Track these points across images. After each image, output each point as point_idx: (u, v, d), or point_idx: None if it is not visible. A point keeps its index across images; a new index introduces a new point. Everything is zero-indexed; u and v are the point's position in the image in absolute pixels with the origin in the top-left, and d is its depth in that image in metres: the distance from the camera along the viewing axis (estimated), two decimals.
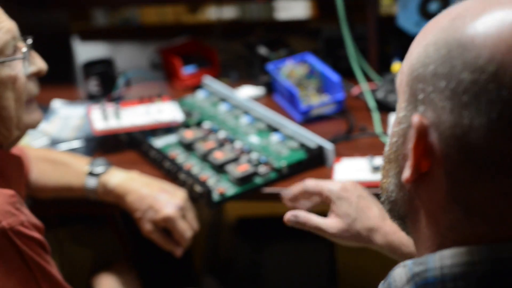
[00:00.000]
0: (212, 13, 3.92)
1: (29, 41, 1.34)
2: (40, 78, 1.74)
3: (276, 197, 1.60)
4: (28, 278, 1.18)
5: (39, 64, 1.35)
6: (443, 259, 0.74)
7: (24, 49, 1.31)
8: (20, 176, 1.38)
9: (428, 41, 0.78)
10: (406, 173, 0.78)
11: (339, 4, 1.82)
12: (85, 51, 2.51)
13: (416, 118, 0.76)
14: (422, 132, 0.75)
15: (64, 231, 1.78)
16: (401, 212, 0.85)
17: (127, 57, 2.46)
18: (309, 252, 2.27)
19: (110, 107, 1.81)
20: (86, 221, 1.83)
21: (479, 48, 0.72)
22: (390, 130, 0.86)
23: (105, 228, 1.79)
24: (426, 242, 0.80)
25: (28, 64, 1.32)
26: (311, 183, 1.37)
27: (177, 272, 1.98)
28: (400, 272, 0.77)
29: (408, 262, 0.77)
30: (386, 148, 0.86)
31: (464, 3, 0.78)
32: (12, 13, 2.10)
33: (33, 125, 1.38)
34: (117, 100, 1.90)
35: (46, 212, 1.76)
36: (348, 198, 1.30)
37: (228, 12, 3.95)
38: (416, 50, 0.80)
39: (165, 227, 1.54)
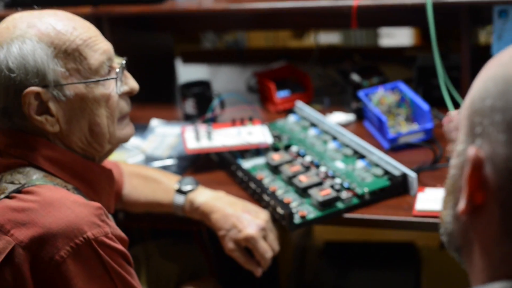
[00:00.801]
0: (317, 39, 3.98)
1: (123, 62, 1.42)
2: (142, 98, 1.83)
3: (357, 222, 1.62)
4: (109, 287, 1.24)
5: (131, 84, 1.43)
6: None
7: (118, 70, 1.39)
8: (110, 188, 1.45)
9: (488, 76, 0.80)
10: (461, 205, 0.80)
11: (432, 33, 1.83)
12: (187, 73, 2.61)
13: (471, 151, 0.77)
14: (477, 165, 0.77)
15: (152, 245, 1.85)
16: (457, 244, 0.86)
17: (226, 79, 2.54)
18: (394, 280, 2.27)
19: (203, 128, 1.88)
20: (174, 236, 1.91)
21: None
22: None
23: (192, 244, 1.86)
24: (479, 274, 0.81)
25: (121, 83, 1.40)
26: None
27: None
28: None
29: None
30: (447, 181, 0.87)
31: None
32: (119, 34, 2.23)
33: (125, 140, 1.46)
34: (211, 121, 1.96)
35: (137, 225, 1.85)
36: None
37: (333, 38, 3.99)
38: (477, 85, 0.81)
39: (247, 246, 1.59)
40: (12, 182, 1.27)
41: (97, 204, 1.26)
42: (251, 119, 1.92)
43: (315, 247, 2.43)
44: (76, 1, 2.07)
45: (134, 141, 2.01)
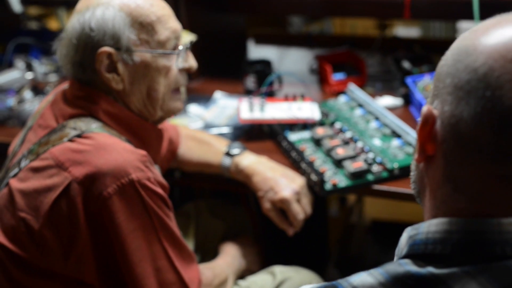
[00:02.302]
0: (398, 31, 4.09)
1: (188, 43, 1.61)
2: (211, 73, 2.01)
3: (384, 194, 1.76)
4: (147, 225, 1.44)
5: (191, 62, 1.63)
6: (430, 226, 0.91)
7: (181, 48, 1.58)
8: (158, 145, 1.65)
9: (451, 47, 0.95)
10: (416, 155, 0.96)
11: None
12: (257, 53, 2.79)
13: (424, 108, 0.93)
14: (428, 120, 0.92)
15: (203, 203, 2.05)
16: (417, 189, 1.02)
17: (292, 61, 2.71)
18: None
19: (257, 101, 2.05)
20: (224, 198, 2.10)
21: (478, 54, 0.88)
22: None
23: (239, 205, 2.04)
24: (427, 214, 0.97)
25: (182, 60, 1.59)
26: None
27: (308, 255, 2.18)
28: (404, 236, 0.95)
29: (409, 228, 0.94)
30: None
31: (488, 20, 0.94)
32: (194, 13, 2.43)
33: (174, 112, 1.64)
34: (265, 95, 2.14)
35: (190, 184, 2.05)
36: None
37: (413, 31, 4.09)
38: (444, 55, 0.97)
39: (282, 207, 1.76)
40: (74, 128, 1.49)
41: (144, 152, 1.46)
42: (302, 96, 2.08)
43: (363, 224, 2.57)
44: None
45: (197, 109, 2.21)
